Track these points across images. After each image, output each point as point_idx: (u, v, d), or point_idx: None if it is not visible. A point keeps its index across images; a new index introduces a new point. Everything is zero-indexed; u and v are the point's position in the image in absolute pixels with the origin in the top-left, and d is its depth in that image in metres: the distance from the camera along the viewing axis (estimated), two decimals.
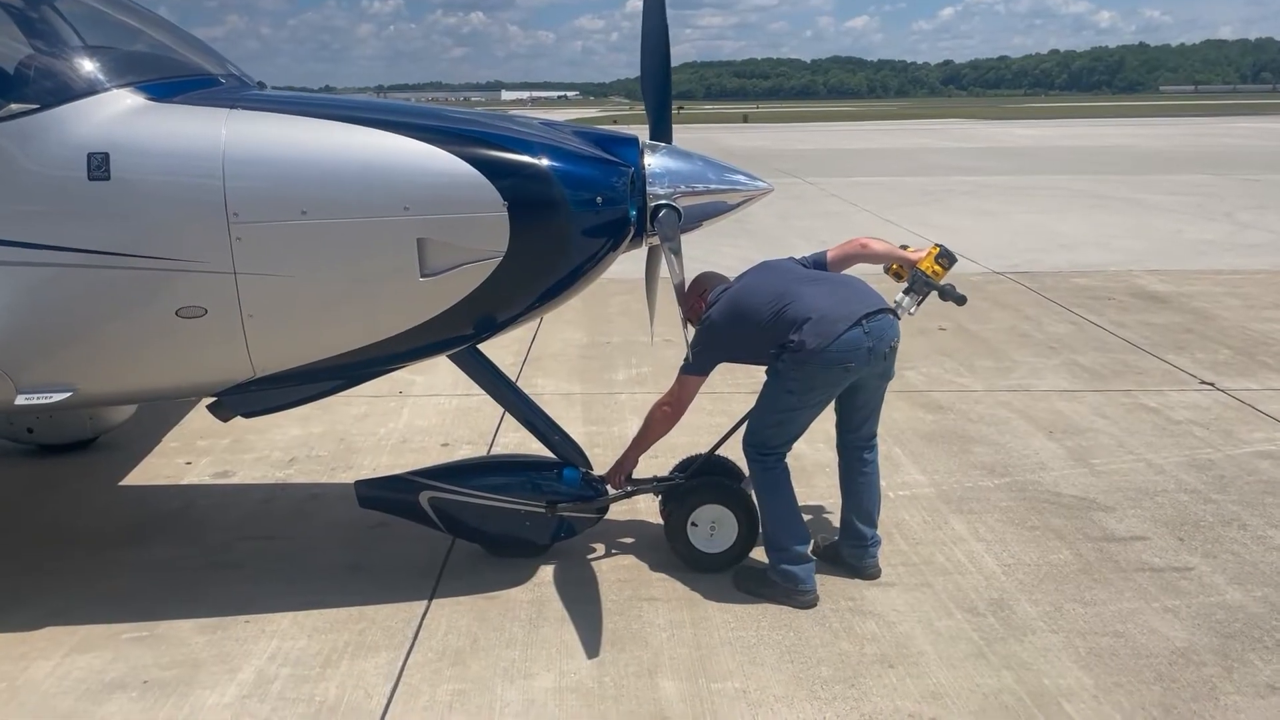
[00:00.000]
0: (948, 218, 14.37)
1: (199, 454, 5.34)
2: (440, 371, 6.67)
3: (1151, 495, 4.73)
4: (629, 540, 4.28)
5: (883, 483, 4.84)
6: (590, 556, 4.14)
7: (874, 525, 3.96)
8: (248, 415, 3.64)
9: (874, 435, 3.96)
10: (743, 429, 3.98)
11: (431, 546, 4.17)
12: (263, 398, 3.51)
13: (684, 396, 3.86)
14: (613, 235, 3.53)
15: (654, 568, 4.03)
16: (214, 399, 3.59)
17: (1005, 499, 4.73)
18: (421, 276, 3.33)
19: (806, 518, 4.50)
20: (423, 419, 5.93)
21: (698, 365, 3.81)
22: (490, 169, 3.30)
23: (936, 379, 6.67)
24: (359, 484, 4.07)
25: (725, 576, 3.92)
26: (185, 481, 5.01)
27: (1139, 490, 4.79)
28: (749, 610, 3.69)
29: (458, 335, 3.60)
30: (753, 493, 3.89)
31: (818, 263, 4.00)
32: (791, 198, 16.90)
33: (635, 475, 4.21)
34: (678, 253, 3.58)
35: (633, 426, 5.75)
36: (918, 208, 15.46)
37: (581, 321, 8.36)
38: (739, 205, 4.00)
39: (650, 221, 3.67)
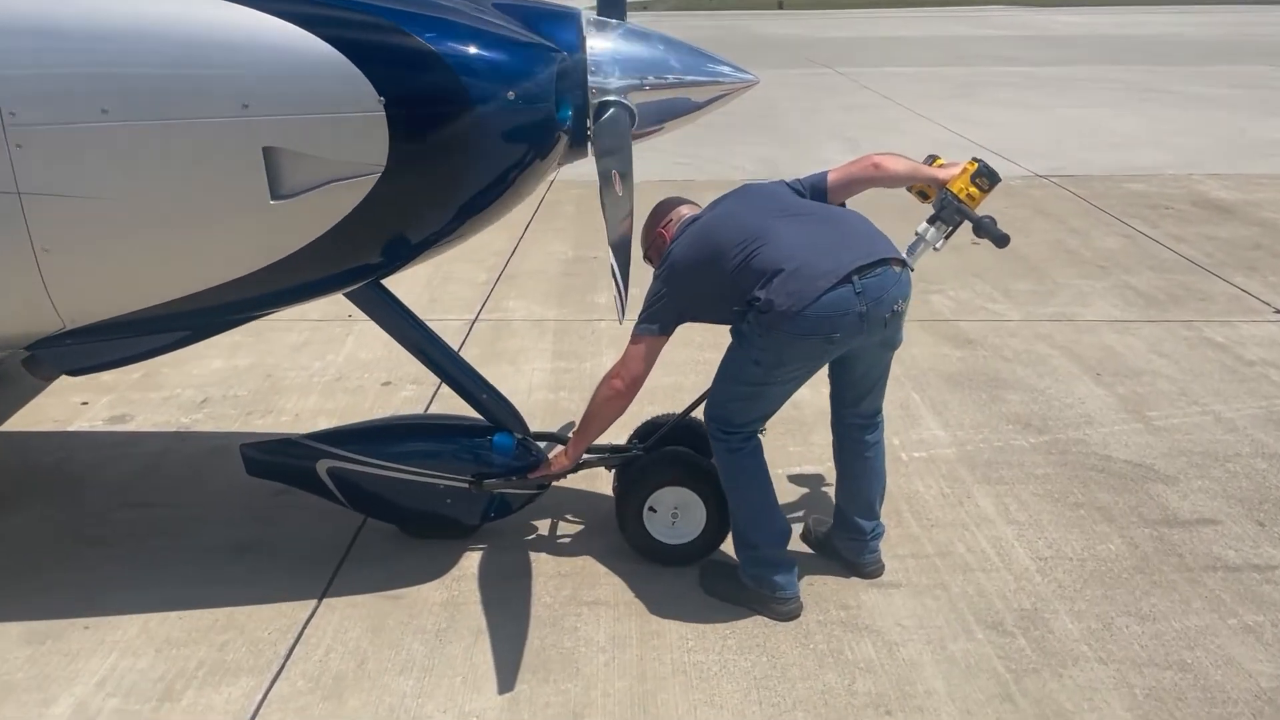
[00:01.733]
0: (987, 111, 13.18)
1: (100, 391, 4.61)
2: (401, 289, 5.89)
3: (1221, 461, 3.89)
4: (577, 520, 3.51)
5: (895, 439, 4.07)
6: (527, 540, 3.38)
7: (875, 516, 3.17)
8: (73, 373, 2.87)
9: (877, 411, 3.13)
10: None
11: (340, 523, 3.42)
12: (85, 353, 2.72)
13: (637, 367, 2.92)
14: (535, 143, 2.67)
15: (603, 558, 3.27)
16: (27, 354, 2.82)
17: (1043, 464, 3.91)
18: (274, 199, 2.49)
19: (799, 491, 3.74)
20: (367, 350, 5.14)
21: (655, 323, 2.92)
22: (361, 52, 2.43)
23: (965, 305, 5.78)
24: (245, 447, 3.31)
25: (689, 573, 3.15)
26: (73, 427, 4.29)
27: (1206, 454, 3.95)
28: (713, 623, 2.93)
29: (334, 275, 2.79)
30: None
31: (816, 188, 3.09)
32: (822, 89, 15.71)
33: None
34: (627, 172, 2.69)
35: (608, 362, 4.97)
36: (955, 101, 14.24)
37: (570, 231, 7.49)
38: (711, 103, 3.09)
39: (593, 124, 2.79)
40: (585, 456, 3.29)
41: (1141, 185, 8.79)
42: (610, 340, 5.23)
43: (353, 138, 2.48)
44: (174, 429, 4.26)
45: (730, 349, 2.94)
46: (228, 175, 2.46)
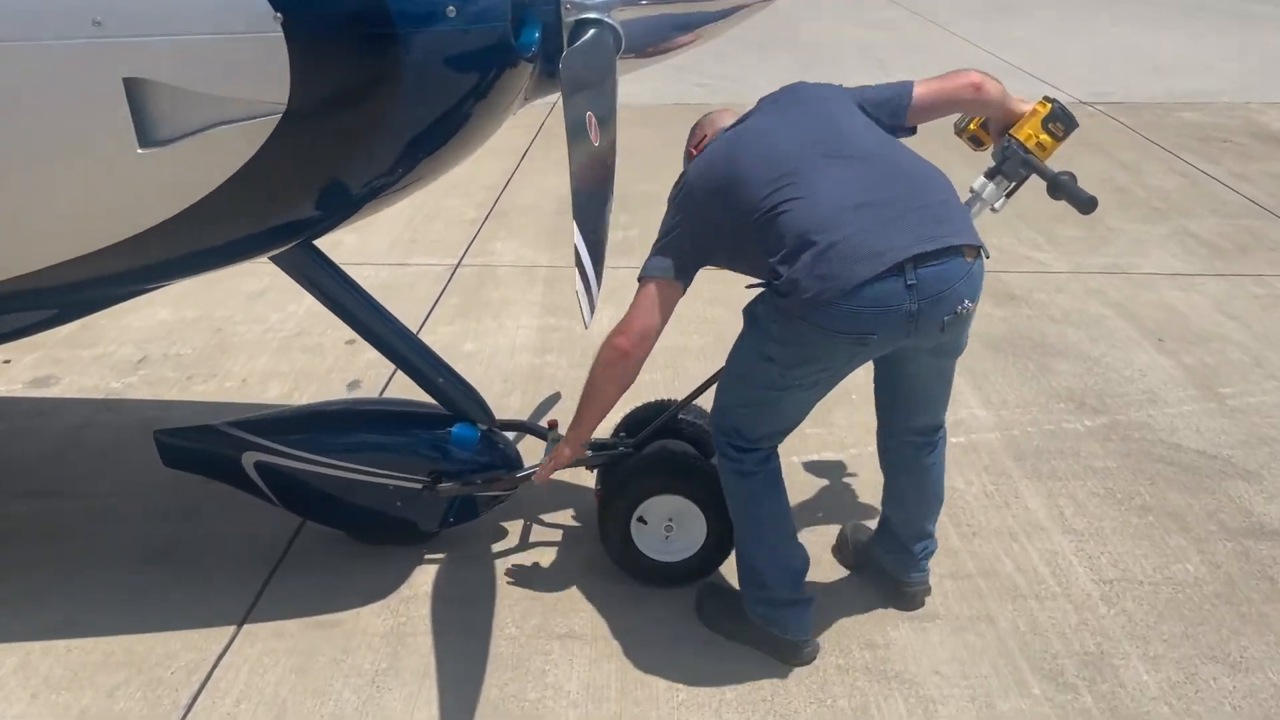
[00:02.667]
0: (1027, 30, 12.29)
1: (27, 348, 4.07)
2: (378, 228, 5.32)
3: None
4: (554, 526, 2.98)
5: None
6: (493, 551, 2.86)
7: (928, 536, 2.61)
8: None
9: (936, 428, 2.50)
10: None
11: (281, 520, 2.90)
12: None
13: (646, 319, 2.28)
14: (485, 74, 2.08)
15: (581, 576, 2.74)
16: None
17: (1101, 454, 3.35)
18: (142, 147, 1.91)
19: (817, 484, 3.19)
20: None
21: (666, 258, 2.28)
22: None
23: (1007, 254, 5.15)
24: (159, 434, 2.78)
25: (683, 599, 2.63)
26: None
27: None
28: (711, 669, 2.42)
29: (239, 240, 2.22)
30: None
31: (893, 106, 2.37)
32: (849, 5, 14.76)
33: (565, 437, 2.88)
34: (607, 116, 2.07)
35: (605, 320, 4.40)
36: (992, 19, 13.31)
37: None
38: (713, 23, 2.47)
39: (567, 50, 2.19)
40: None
41: (1195, 114, 8.04)
42: (608, 293, 4.64)
43: (243, 67, 1.88)
44: (102, 395, 3.74)
45: (740, 337, 2.36)
46: (77, 116, 1.87)
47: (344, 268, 4.81)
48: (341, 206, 2.28)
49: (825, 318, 2.07)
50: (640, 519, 2.63)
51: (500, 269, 4.97)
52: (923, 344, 2.20)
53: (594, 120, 2.01)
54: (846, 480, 3.21)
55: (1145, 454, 3.34)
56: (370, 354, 4.04)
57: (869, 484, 3.16)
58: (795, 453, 3.32)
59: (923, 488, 2.53)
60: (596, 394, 2.36)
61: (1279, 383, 3.80)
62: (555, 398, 3.70)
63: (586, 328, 2.02)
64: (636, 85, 7.71)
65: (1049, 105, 2.43)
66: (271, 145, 1.96)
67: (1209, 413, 3.60)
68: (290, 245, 2.41)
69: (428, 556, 2.81)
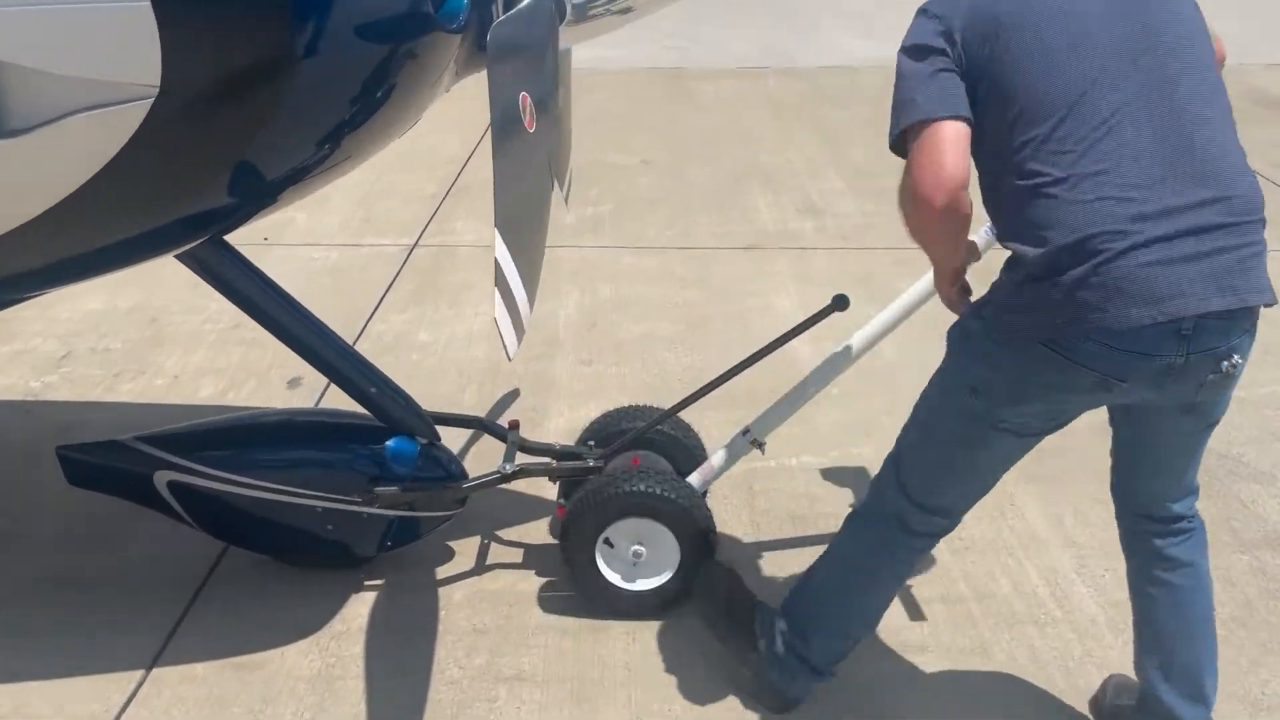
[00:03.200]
0: None
1: None
2: (329, 205, 4.99)
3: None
4: (511, 548, 2.70)
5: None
6: (437, 575, 2.58)
7: (1205, 702, 1.96)
8: None
9: (1182, 516, 1.95)
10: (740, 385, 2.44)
11: (199, 547, 2.61)
12: None
13: (937, 170, 1.66)
14: (394, 43, 1.77)
15: (538, 604, 2.47)
16: None
17: (1100, 451, 3.02)
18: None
19: (799, 506, 2.89)
20: (281, 284, 4.26)
21: (926, 91, 1.69)
22: None
23: (981, 220, 4.88)
24: (63, 450, 2.49)
25: (645, 634, 2.37)
26: None
27: None
28: (678, 709, 2.16)
29: (121, 244, 1.92)
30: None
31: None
32: None
33: (529, 441, 2.60)
34: (546, 97, 1.77)
35: (570, 304, 4.12)
36: None
37: None
38: None
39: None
40: (524, 462, 2.47)
41: None
42: (573, 274, 4.36)
43: (104, 43, 1.58)
44: (18, 396, 3.43)
45: (941, 366, 1.94)
46: None
47: (291, 249, 4.52)
48: (247, 198, 1.98)
49: (1070, 347, 1.65)
50: (606, 541, 2.36)
51: (460, 250, 4.66)
52: (1169, 400, 1.75)
53: (529, 102, 1.71)
54: (834, 488, 2.95)
55: None
56: None
57: (859, 494, 2.91)
58: (772, 455, 3.05)
59: (1177, 604, 1.94)
60: (931, 246, 1.84)
61: None
62: (514, 394, 3.42)
63: (510, 360, 1.72)
64: (602, 49, 7.32)
65: None
66: (147, 133, 1.66)
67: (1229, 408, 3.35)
68: (192, 243, 2.11)
69: (365, 583, 2.54)
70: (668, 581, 2.38)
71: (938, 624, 2.42)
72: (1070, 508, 2.84)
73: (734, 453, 2.43)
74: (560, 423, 3.26)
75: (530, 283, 1.66)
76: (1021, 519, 2.80)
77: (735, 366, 2.49)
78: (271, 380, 3.49)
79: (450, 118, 5.07)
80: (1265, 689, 2.24)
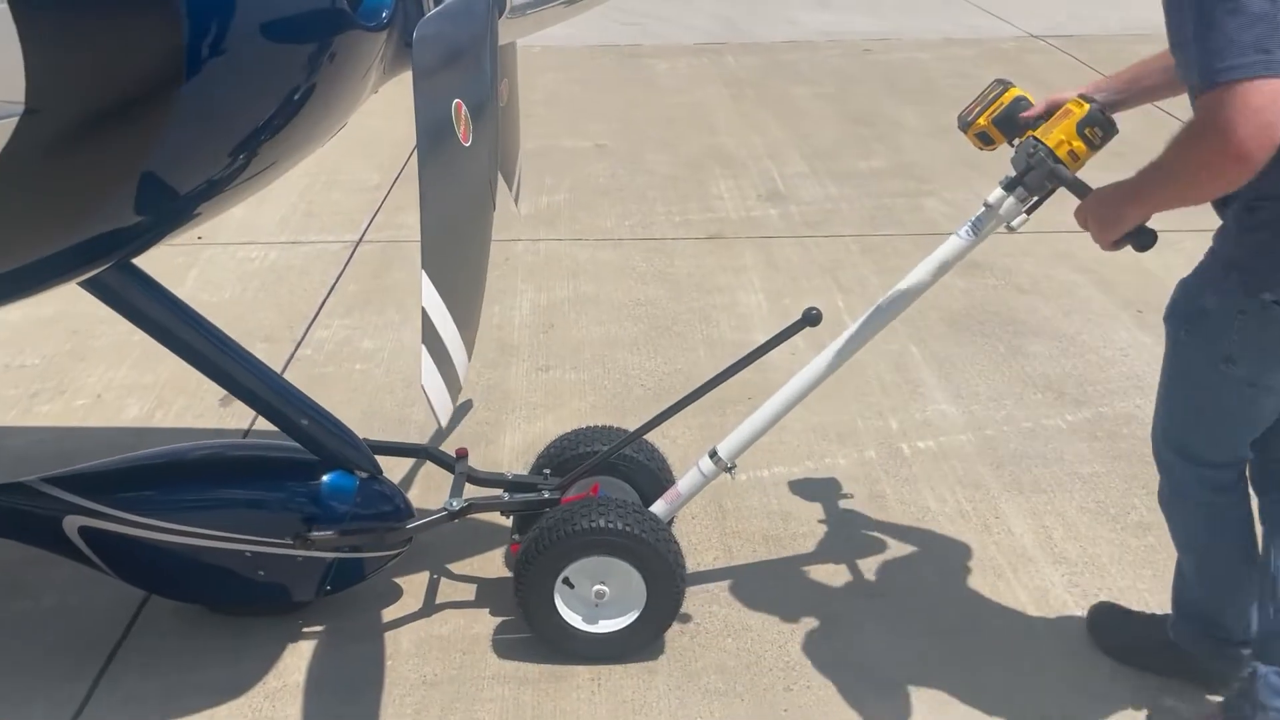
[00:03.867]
0: None
1: None
2: (269, 200, 4.71)
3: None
4: (461, 583, 2.49)
5: (893, 422, 3.12)
6: (385, 620, 2.36)
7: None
8: None
9: None
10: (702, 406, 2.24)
11: (118, 595, 2.37)
12: None
13: (1258, 130, 1.46)
14: (309, 46, 1.55)
15: (493, 654, 2.27)
16: None
17: (1089, 457, 2.95)
18: None
19: (773, 525, 2.69)
20: (215, 288, 4.01)
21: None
22: None
23: (965, 210, 4.61)
24: None
25: (619, 679, 2.18)
26: None
27: None
28: None
29: (12, 273, 1.68)
30: None
31: None
32: None
33: (478, 471, 2.38)
34: (483, 103, 1.55)
35: (525, 303, 3.89)
36: None
37: None
38: None
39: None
40: (472, 497, 2.27)
41: (1149, 47, 7.43)
42: (529, 272, 4.13)
43: None
44: None
45: (1176, 345, 1.91)
46: None
47: (226, 248, 4.24)
48: (152, 219, 1.75)
49: None
50: (566, 581, 2.16)
51: (409, 246, 4.40)
52: None
53: (464, 111, 1.49)
54: (808, 504, 2.77)
55: (1136, 455, 2.94)
56: (255, 351, 3.52)
57: (836, 509, 2.73)
58: (744, 467, 2.87)
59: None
60: (1186, 188, 1.69)
61: None
62: (466, 407, 3.20)
63: (441, 427, 1.51)
64: (557, 28, 7.06)
65: (1086, 106, 1.95)
66: (15, 153, 1.42)
67: None
68: (94, 271, 1.87)
69: (304, 630, 2.32)
70: (634, 622, 2.19)
71: (925, 652, 2.25)
72: (1058, 519, 2.69)
73: (702, 478, 2.24)
74: (517, 438, 3.05)
75: (467, 328, 1.44)
76: (1008, 533, 2.64)
77: (702, 386, 2.30)
78: (203, 397, 3.24)
79: (394, 99, 4.81)
80: None
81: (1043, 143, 1.93)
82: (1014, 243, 4.34)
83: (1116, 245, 1.84)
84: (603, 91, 6.63)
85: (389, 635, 2.31)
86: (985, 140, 2.17)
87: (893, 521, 2.68)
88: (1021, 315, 3.76)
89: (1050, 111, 2.04)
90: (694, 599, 2.37)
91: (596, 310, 3.80)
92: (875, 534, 2.64)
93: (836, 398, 3.22)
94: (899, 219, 4.62)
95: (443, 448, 2.48)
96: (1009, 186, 1.97)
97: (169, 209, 1.82)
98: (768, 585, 2.46)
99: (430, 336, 1.33)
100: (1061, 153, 1.92)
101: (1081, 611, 2.36)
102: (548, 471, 2.39)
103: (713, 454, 2.21)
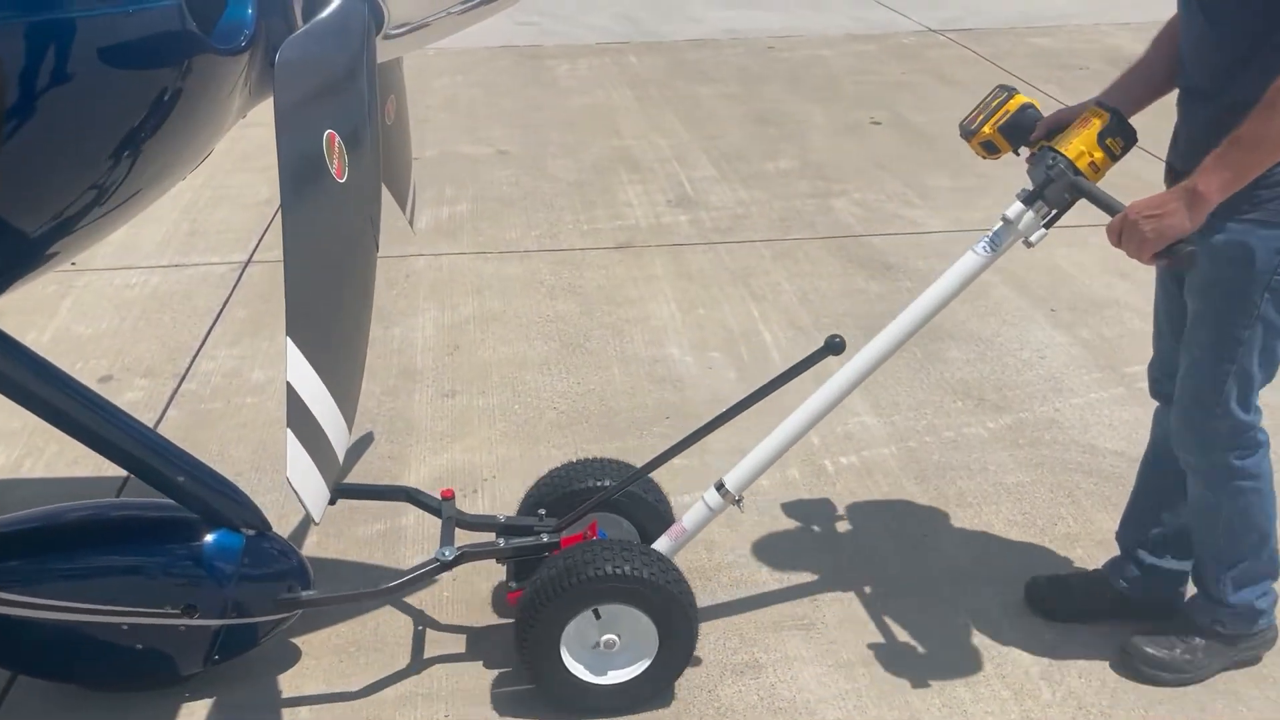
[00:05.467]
0: None
1: None
2: (149, 219, 4.41)
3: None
4: (411, 631, 2.32)
5: (814, 437, 3.01)
6: (283, 687, 2.18)
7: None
8: None
9: None
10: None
11: None
12: None
13: None
14: (156, 73, 1.36)
15: (398, 711, 2.10)
16: None
17: (1012, 466, 2.90)
18: None
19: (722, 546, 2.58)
20: (90, 319, 3.71)
21: None
22: None
23: (876, 211, 4.67)
24: None
25: None
26: None
27: None
28: None
29: None
30: None
31: None
32: None
33: (467, 515, 2.23)
34: (360, 132, 1.38)
35: (425, 324, 3.68)
36: None
37: None
38: None
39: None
40: (466, 545, 2.11)
41: (1048, 40, 7.75)
42: (431, 289, 3.94)
43: None
44: None
45: (1208, 304, 1.92)
46: None
47: (102, 275, 3.95)
48: None
49: None
50: (574, 632, 2.00)
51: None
52: None
53: (337, 142, 1.31)
54: (730, 530, 2.65)
55: (1060, 462, 2.90)
56: (131, 394, 3.27)
57: (761, 534, 2.62)
58: (672, 492, 2.74)
59: None
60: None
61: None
62: (367, 440, 3.01)
63: (316, 523, 1.34)
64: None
65: (1105, 115, 1.90)
66: None
67: (1118, 400, 3.20)
68: None
69: (190, 706, 2.11)
70: (647, 669, 2.05)
71: (859, 685, 2.15)
72: (987, 532, 2.62)
73: (709, 512, 2.10)
74: (424, 472, 2.87)
75: (346, 400, 1.27)
76: (939, 550, 2.56)
77: (712, 421, 2.17)
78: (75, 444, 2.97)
79: None
80: None
81: (1062, 154, 1.87)
82: (927, 243, 4.31)
83: (1158, 260, 1.80)
84: (502, 95, 6.44)
85: (290, 710, 2.12)
86: (990, 149, 2.09)
87: (819, 544, 2.59)
88: (937, 319, 3.69)
89: (1060, 121, 1.99)
90: None
91: (503, 328, 3.63)
92: (802, 559, 2.54)
93: (754, 415, 3.11)
94: (810, 222, 4.55)
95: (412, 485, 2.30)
96: (1028, 200, 1.92)
97: (18, 251, 1.61)
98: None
99: (298, 417, 1.14)
100: (1082, 164, 1.88)
101: (1017, 634, 2.29)
102: (542, 511, 2.24)
103: (719, 486, 2.09)
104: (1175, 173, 1.93)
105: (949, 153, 5.33)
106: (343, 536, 2.58)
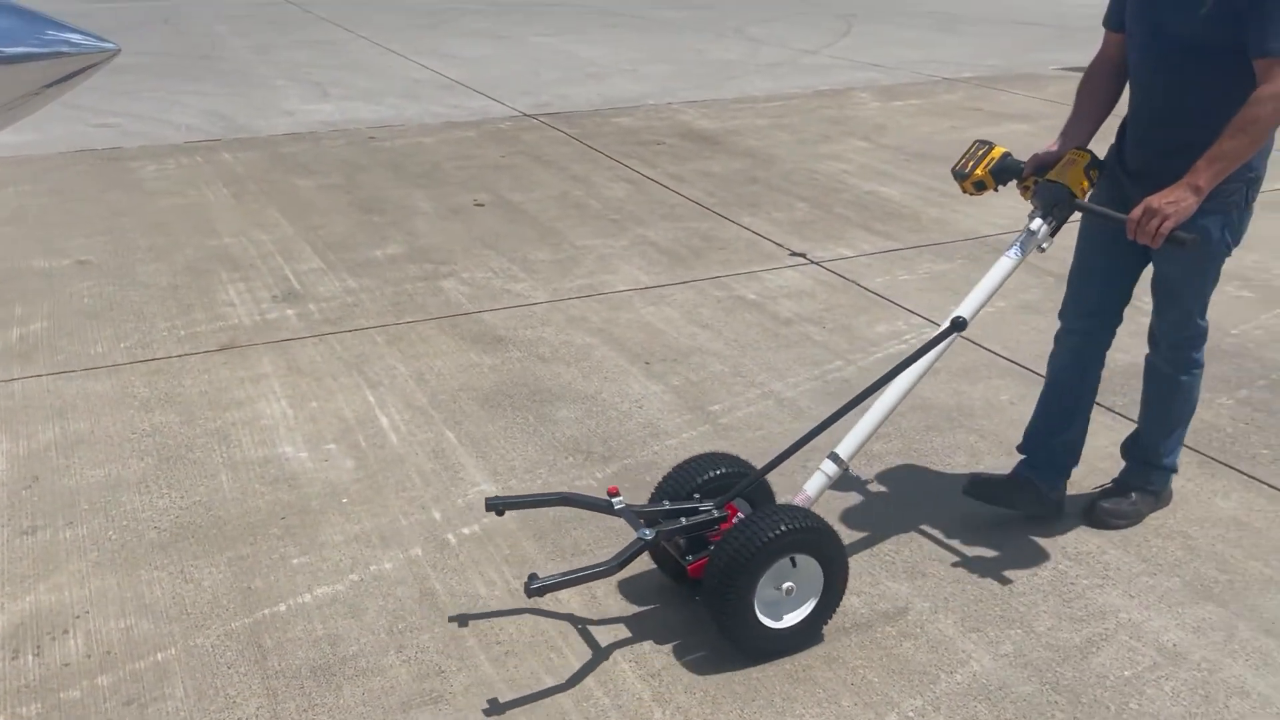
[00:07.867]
0: (460, 44, 12.30)
1: None
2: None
3: (804, 458, 3.36)
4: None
5: (435, 512, 3.07)
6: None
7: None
8: None
9: None
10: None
11: None
12: None
13: None
14: None
15: None
16: None
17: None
18: None
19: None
20: None
21: None
22: None
23: (484, 289, 4.85)
24: None
25: None
26: None
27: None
28: None
29: None
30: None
31: None
32: (272, 24, 13.79)
33: (637, 505, 2.63)
34: None
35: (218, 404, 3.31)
36: (425, 33, 13.17)
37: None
38: (61, 83, 1.78)
39: None
40: (657, 529, 2.51)
41: (628, 119, 8.45)
42: (0, 421, 3.56)
43: None
44: None
45: (1185, 266, 2.79)
46: None
47: None
48: None
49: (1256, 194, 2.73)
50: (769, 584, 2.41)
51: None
52: None
53: None
54: (355, 619, 2.62)
55: None
56: None
57: (386, 619, 2.61)
58: (281, 597, 2.66)
59: None
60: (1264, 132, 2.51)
61: (759, 389, 3.88)
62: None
63: None
64: (10, 134, 6.34)
65: (1086, 155, 2.70)
66: None
67: (706, 437, 3.54)
68: None
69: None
70: (815, 607, 2.49)
71: None
72: (603, 585, 2.78)
73: (826, 479, 2.57)
74: (2, 620, 2.59)
75: None
76: (567, 628, 2.69)
77: (837, 412, 2.58)
78: None
79: None
80: None
81: (1064, 185, 2.64)
82: (533, 314, 4.54)
83: (1168, 241, 2.47)
84: (80, 201, 6.00)
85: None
86: (979, 187, 2.80)
87: (444, 621, 2.63)
88: (546, 383, 3.92)
89: (1042, 163, 2.76)
90: None
91: (91, 451, 3.37)
92: (428, 641, 2.57)
93: (377, 500, 3.13)
94: (421, 304, 4.64)
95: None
96: (1044, 217, 2.67)
97: None
98: None
99: None
100: (1077, 190, 2.66)
101: (646, 686, 2.47)
102: (697, 496, 2.61)
103: (833, 455, 2.57)
104: (1127, 168, 2.77)
105: (546, 227, 5.67)
106: None
